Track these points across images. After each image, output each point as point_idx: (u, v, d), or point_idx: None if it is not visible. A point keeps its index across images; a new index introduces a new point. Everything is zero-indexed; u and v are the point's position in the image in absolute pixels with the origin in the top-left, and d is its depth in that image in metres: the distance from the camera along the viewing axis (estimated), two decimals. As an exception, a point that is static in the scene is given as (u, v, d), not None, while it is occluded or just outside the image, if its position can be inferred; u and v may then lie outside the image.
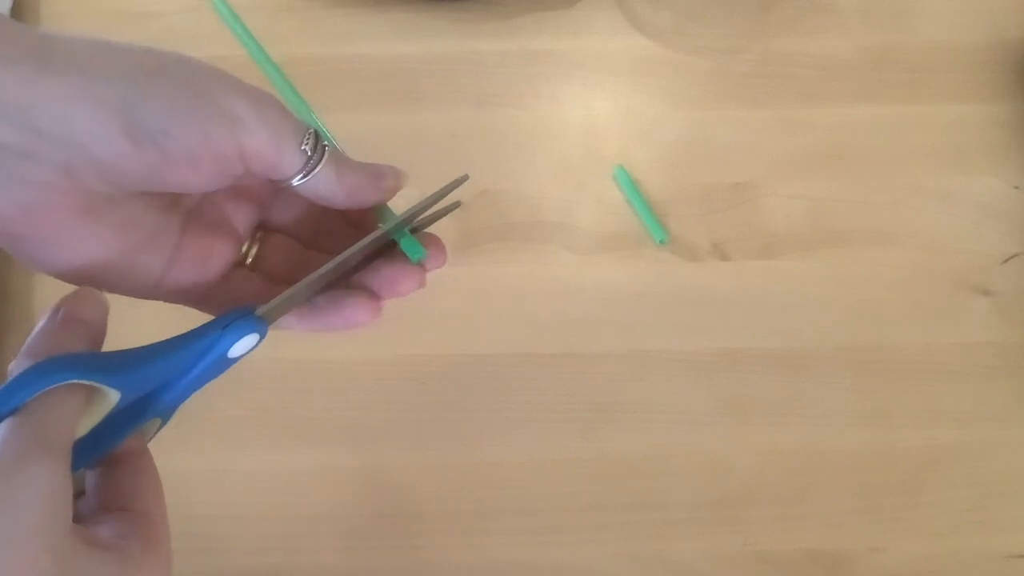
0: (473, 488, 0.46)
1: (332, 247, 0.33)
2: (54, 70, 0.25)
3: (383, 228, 0.31)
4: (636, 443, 0.47)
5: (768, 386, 0.48)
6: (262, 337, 0.29)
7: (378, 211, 0.32)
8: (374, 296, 0.32)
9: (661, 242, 0.51)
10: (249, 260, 0.33)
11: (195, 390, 0.29)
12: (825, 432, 0.48)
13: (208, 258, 0.32)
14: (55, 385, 0.24)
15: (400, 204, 0.33)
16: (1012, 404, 0.48)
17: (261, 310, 0.29)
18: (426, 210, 0.33)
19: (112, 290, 0.29)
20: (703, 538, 0.45)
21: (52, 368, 0.24)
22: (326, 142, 0.30)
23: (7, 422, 0.23)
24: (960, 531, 0.46)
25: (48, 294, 0.48)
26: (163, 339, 0.27)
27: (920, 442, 0.47)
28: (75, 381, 0.24)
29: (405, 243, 0.32)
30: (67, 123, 0.25)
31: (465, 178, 0.33)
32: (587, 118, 0.54)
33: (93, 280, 0.29)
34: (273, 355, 0.48)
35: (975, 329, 0.50)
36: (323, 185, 0.30)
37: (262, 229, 0.34)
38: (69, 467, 0.24)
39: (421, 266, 0.32)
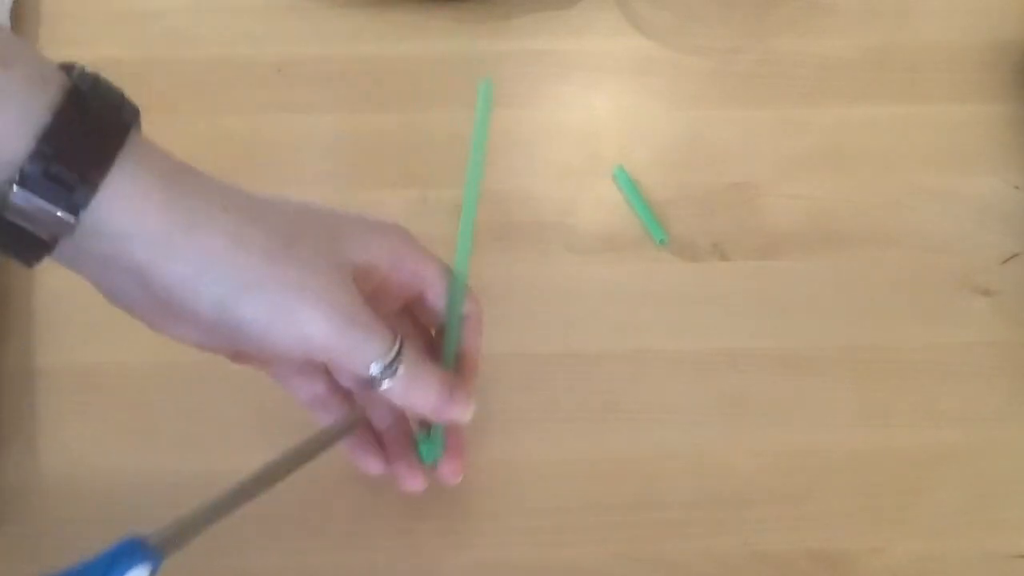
0: (473, 488, 0.46)
1: None
2: (183, 245, 0.29)
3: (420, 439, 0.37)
4: (636, 443, 0.47)
5: (768, 386, 0.48)
6: (155, 567, 0.27)
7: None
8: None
9: (661, 242, 0.51)
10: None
11: None
12: (825, 432, 0.48)
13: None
14: None
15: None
16: (1012, 404, 0.48)
17: (153, 539, 0.27)
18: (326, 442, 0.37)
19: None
20: (703, 538, 0.45)
21: None
22: (402, 363, 0.33)
23: None
24: (960, 531, 0.46)
25: (48, 294, 0.48)
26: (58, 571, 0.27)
27: (920, 442, 0.47)
28: None
29: (425, 447, 0.36)
30: (172, 282, 0.30)
31: (363, 414, 0.39)
32: (587, 118, 0.54)
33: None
34: (273, 355, 0.48)
35: (975, 329, 0.50)
36: (388, 396, 0.34)
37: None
38: None
39: (432, 469, 0.36)
